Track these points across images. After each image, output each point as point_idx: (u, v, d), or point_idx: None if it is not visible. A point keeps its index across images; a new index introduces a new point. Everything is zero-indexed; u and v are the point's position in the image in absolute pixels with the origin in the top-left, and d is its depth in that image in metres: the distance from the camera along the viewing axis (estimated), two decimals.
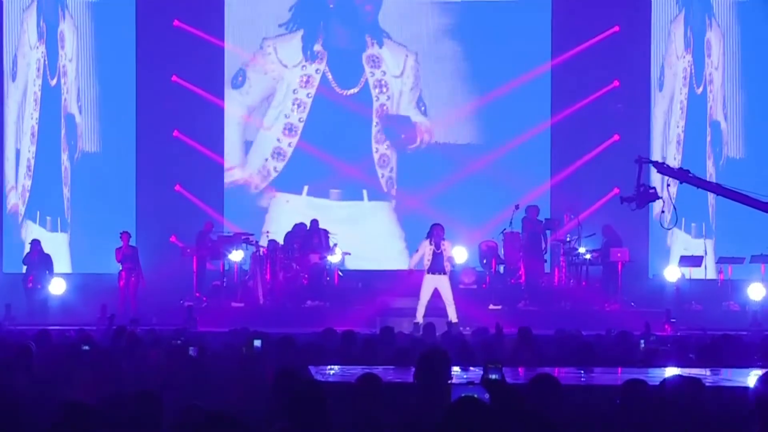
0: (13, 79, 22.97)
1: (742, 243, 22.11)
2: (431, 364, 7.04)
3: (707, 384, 7.47)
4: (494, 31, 23.56)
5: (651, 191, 13.28)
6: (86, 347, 10.52)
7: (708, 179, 18.37)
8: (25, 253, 21.31)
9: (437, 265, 18.02)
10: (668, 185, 13.45)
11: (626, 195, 13.47)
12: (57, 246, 22.47)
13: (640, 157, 13.53)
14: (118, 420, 6.52)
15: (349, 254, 22.05)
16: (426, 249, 18.06)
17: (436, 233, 18.09)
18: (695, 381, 7.04)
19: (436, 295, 18.15)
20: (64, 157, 23.03)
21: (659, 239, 22.79)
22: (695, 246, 22.83)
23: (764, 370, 9.47)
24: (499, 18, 23.71)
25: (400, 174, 23.86)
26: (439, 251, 18.02)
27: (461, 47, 23.74)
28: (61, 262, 22.25)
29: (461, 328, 17.10)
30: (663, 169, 13.42)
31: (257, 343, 10.30)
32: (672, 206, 13.44)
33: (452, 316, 17.96)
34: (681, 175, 13.33)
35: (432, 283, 18.07)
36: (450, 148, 23.79)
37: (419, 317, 17.93)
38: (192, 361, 10.17)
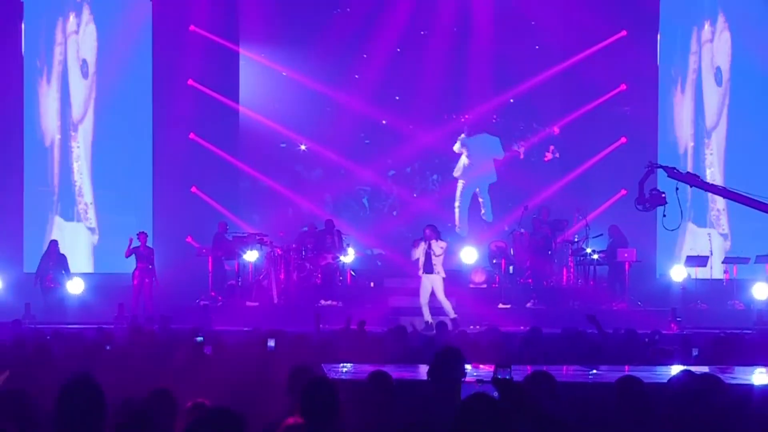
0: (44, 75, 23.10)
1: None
2: (446, 362, 7.18)
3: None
4: (503, 35, 23.77)
5: (662, 195, 13.60)
6: (108, 347, 10.71)
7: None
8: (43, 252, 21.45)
9: (428, 265, 18.39)
10: (677, 188, 13.70)
11: (636, 198, 13.77)
12: (78, 234, 22.77)
13: (651, 163, 13.82)
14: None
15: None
16: (421, 250, 18.41)
17: (426, 234, 18.45)
18: (711, 378, 7.03)
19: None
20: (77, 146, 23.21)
21: (667, 239, 22.88)
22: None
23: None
24: (506, 22, 23.90)
25: None
26: (430, 251, 18.38)
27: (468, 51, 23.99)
28: (83, 251, 22.61)
29: (471, 327, 17.36)
30: (673, 173, 13.70)
31: (271, 342, 10.36)
32: (680, 209, 13.75)
33: (449, 312, 18.36)
34: (690, 179, 13.74)
35: (427, 282, 18.51)
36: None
37: (427, 316, 18.26)
38: (208, 359, 10.34)
